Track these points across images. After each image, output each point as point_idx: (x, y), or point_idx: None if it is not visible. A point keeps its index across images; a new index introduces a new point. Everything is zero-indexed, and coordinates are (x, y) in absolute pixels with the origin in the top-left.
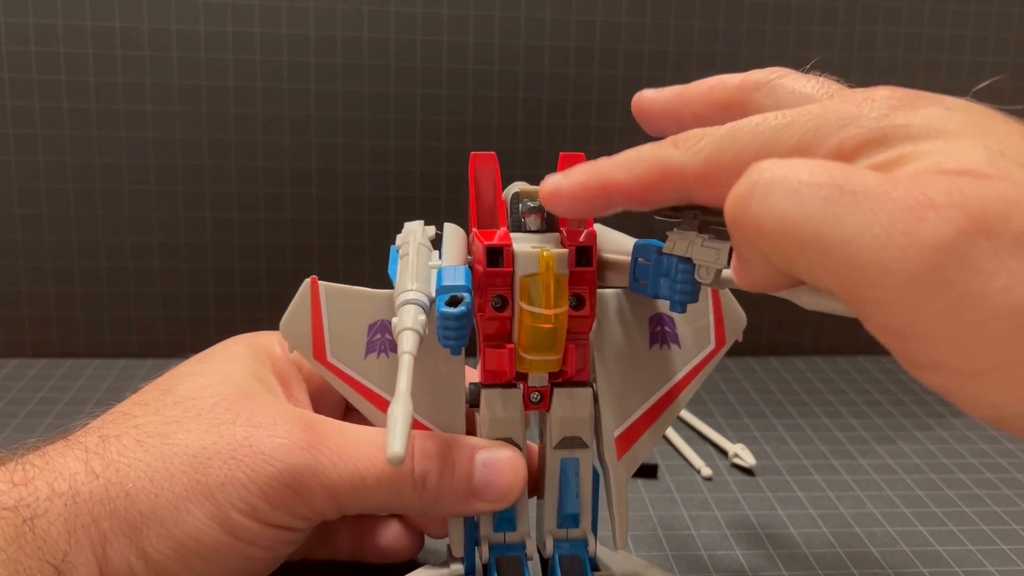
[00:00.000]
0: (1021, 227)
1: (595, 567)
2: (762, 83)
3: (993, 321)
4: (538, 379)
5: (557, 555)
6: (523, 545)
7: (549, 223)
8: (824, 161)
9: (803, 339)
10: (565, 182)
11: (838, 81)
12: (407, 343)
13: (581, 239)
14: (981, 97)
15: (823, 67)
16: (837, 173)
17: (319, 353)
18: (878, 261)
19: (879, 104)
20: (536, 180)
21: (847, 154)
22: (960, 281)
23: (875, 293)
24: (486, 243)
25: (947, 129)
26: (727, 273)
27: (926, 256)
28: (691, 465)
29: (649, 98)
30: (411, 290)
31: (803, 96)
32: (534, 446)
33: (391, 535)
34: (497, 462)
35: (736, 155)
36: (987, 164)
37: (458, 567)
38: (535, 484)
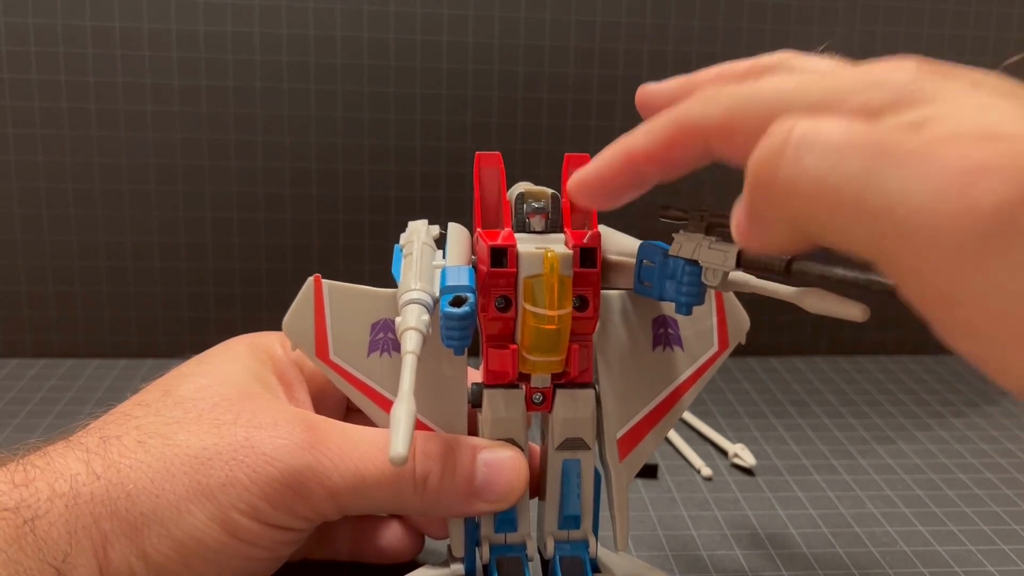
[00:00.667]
0: None
1: (596, 568)
2: (775, 66)
3: None
4: (541, 380)
5: (558, 556)
6: (524, 546)
7: (554, 224)
8: (856, 121)
9: (803, 339)
10: (589, 168)
11: (851, 61)
12: (410, 343)
13: (585, 240)
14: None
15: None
16: (876, 133)
17: (322, 351)
18: (928, 227)
19: (908, 71)
20: (537, 180)
21: (872, 112)
22: (1012, 249)
23: (919, 261)
24: (490, 243)
25: (976, 95)
26: (734, 275)
27: (982, 221)
28: (691, 465)
29: (652, 91)
30: (415, 289)
31: (819, 73)
32: (536, 447)
33: (391, 536)
34: (499, 462)
35: (757, 108)
36: (1021, 130)
37: (458, 567)
38: (536, 485)
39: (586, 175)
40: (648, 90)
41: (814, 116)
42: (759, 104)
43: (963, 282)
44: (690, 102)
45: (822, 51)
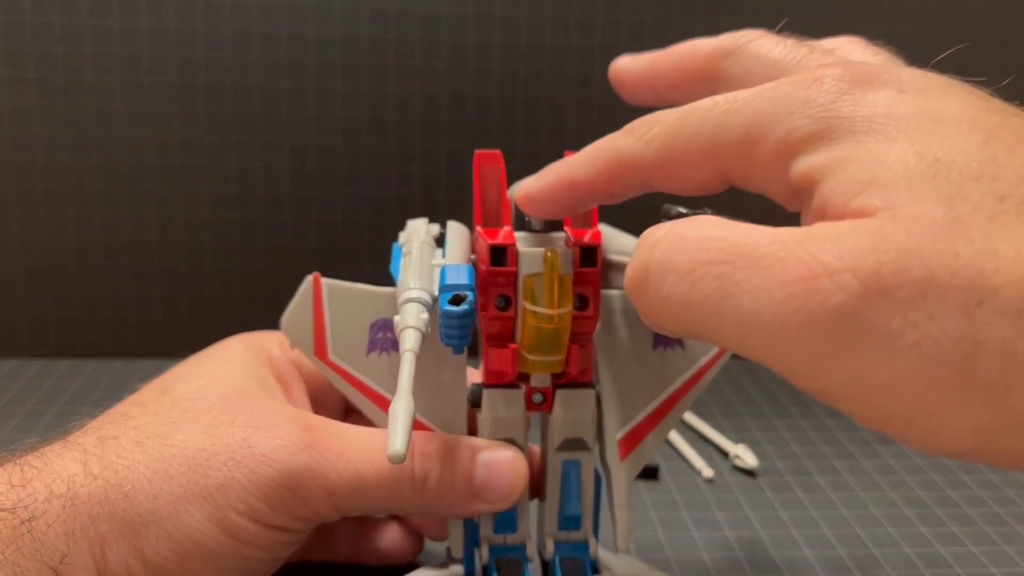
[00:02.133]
0: (921, 275)
1: (596, 569)
2: (730, 50)
3: (908, 379)
4: (540, 380)
5: (558, 557)
6: (523, 547)
7: (554, 223)
8: (715, 224)
9: None
10: (535, 185)
11: (807, 43)
12: (409, 341)
13: (586, 239)
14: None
15: None
16: (727, 243)
17: (320, 351)
18: (781, 338)
19: (827, 88)
20: None
21: (793, 147)
22: (864, 347)
23: (785, 365)
24: (490, 242)
25: (889, 124)
26: None
27: (824, 329)
28: (692, 467)
29: (624, 67)
30: (414, 288)
31: (770, 63)
32: (535, 448)
33: (390, 537)
34: (498, 462)
35: (688, 142)
36: (904, 188)
37: (457, 568)
38: (536, 486)
39: (531, 190)
40: (620, 67)
41: (682, 221)
42: (689, 139)
43: (831, 382)
44: (626, 138)
45: (779, 29)
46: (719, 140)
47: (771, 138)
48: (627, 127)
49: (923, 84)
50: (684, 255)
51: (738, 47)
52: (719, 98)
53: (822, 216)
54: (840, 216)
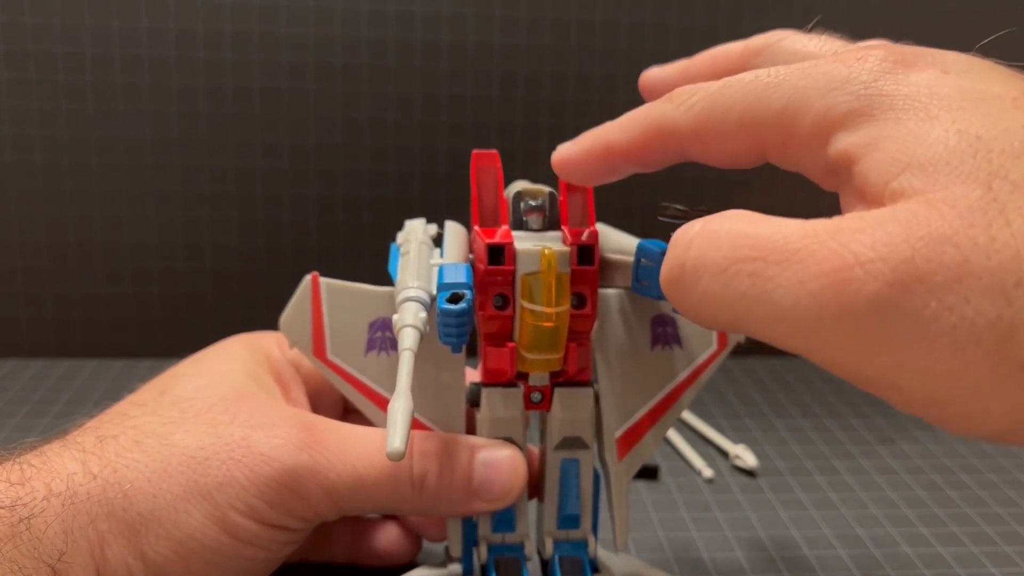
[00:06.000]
0: (955, 259)
1: (595, 568)
2: (763, 48)
3: (944, 362)
4: (539, 379)
5: (557, 556)
6: (522, 546)
7: (551, 222)
8: (746, 219)
9: None
10: (572, 149)
11: (841, 39)
12: (408, 340)
13: (583, 238)
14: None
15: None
16: (759, 239)
17: (319, 350)
18: (818, 329)
19: (871, 66)
20: (536, 179)
21: (833, 123)
22: (900, 333)
23: (823, 356)
24: (488, 241)
25: (932, 102)
26: None
27: (860, 318)
28: (692, 467)
29: (655, 76)
30: (412, 287)
31: (805, 55)
32: (534, 448)
33: (388, 538)
34: (497, 461)
35: (726, 113)
36: (943, 169)
37: (456, 567)
38: (535, 486)
39: (568, 155)
40: (651, 76)
41: (715, 216)
42: (728, 110)
43: (869, 369)
44: (665, 104)
45: (811, 28)
46: (758, 113)
47: (811, 113)
48: (667, 95)
49: (966, 66)
50: (717, 253)
51: (770, 44)
52: (761, 71)
53: (861, 196)
54: (878, 197)
